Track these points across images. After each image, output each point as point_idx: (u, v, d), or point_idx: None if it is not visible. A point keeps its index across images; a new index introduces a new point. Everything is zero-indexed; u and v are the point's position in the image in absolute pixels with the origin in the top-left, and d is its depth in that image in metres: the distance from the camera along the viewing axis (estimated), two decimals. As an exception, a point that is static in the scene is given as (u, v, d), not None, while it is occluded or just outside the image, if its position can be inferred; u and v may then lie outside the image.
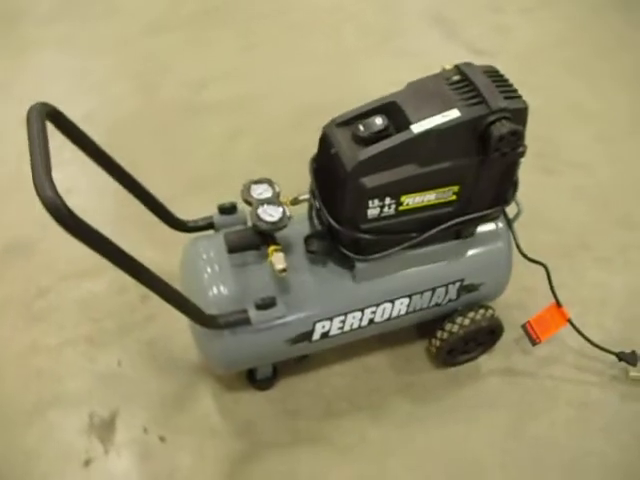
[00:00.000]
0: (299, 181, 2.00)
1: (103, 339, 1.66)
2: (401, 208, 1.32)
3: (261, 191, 1.34)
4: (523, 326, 1.67)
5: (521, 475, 1.55)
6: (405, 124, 1.24)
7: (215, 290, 1.36)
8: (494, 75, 1.30)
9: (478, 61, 2.51)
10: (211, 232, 1.50)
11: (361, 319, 1.48)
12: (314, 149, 2.13)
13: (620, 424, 1.65)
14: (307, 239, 1.38)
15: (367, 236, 1.33)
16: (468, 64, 1.32)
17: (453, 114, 1.23)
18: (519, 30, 2.77)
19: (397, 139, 1.23)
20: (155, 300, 1.68)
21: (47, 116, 1.08)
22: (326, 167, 1.31)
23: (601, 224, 2.08)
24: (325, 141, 1.29)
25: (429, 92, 1.28)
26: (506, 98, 1.25)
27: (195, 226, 1.48)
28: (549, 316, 1.67)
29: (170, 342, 1.67)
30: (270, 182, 1.36)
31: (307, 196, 1.45)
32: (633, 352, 1.72)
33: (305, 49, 2.56)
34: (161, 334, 1.69)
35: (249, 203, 1.33)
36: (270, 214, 1.29)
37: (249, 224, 1.48)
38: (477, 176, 1.33)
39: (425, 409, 1.63)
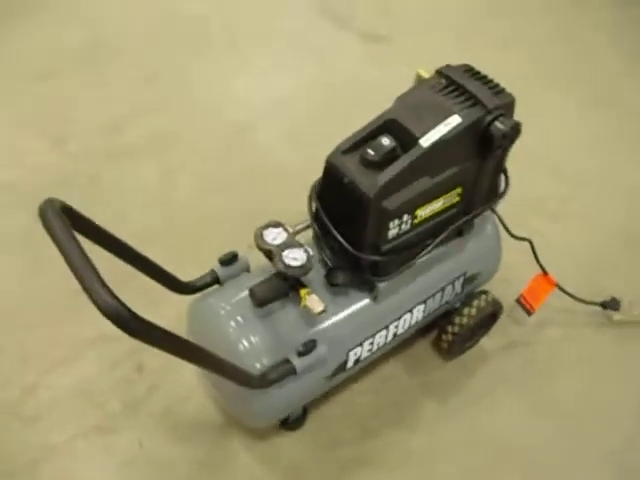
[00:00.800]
0: (258, 204, 1.96)
1: (114, 423, 1.53)
2: (416, 221, 1.31)
3: (274, 236, 1.28)
4: (517, 300, 1.74)
5: (552, 444, 1.62)
6: (411, 140, 1.23)
7: (246, 343, 1.29)
8: (475, 73, 1.32)
9: (379, 46, 2.58)
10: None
11: (386, 336, 1.47)
12: (256, 166, 2.10)
13: (619, 367, 1.77)
14: (329, 273, 1.34)
15: (387, 257, 1.32)
16: (448, 67, 1.33)
17: (454, 121, 1.24)
18: (408, 9, 2.82)
19: (411, 156, 1.22)
20: (151, 366, 1.62)
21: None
22: (337, 197, 1.28)
23: (537, 180, 2.19)
24: (333, 171, 1.26)
25: (423, 103, 1.28)
26: (495, 94, 1.28)
27: (202, 285, 1.40)
28: (538, 285, 1.75)
29: (183, 406, 1.58)
30: (279, 224, 1.31)
31: (302, 226, 1.41)
32: (613, 299, 1.84)
33: (206, 65, 2.47)
34: (171, 401, 1.59)
35: (267, 251, 1.27)
36: (294, 258, 1.24)
37: (248, 269, 1.43)
38: (477, 174, 1.36)
39: (450, 405, 1.66)
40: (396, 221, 1.27)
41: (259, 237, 1.28)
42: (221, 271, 1.40)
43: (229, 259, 1.40)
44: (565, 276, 1.78)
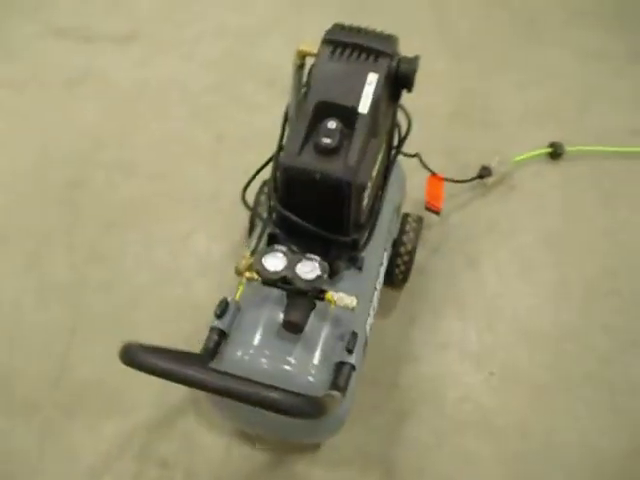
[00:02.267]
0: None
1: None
2: (371, 183, 1.36)
3: (276, 262, 1.24)
4: (425, 207, 1.90)
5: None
6: (350, 112, 1.25)
7: (287, 367, 1.27)
8: (352, 29, 1.35)
9: (135, 46, 2.44)
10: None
11: (377, 295, 1.53)
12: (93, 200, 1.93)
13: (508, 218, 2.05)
14: (333, 265, 1.34)
15: (366, 228, 1.37)
16: (330, 32, 1.34)
17: (373, 78, 1.28)
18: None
19: (362, 127, 1.24)
20: (171, 453, 1.54)
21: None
22: (306, 196, 1.27)
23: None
24: (297, 174, 1.23)
25: (336, 75, 1.29)
26: (383, 40, 1.34)
27: (214, 346, 1.30)
28: (433, 187, 1.92)
29: (230, 469, 1.51)
30: (273, 250, 1.26)
31: (255, 241, 1.39)
32: (484, 167, 2.08)
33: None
34: (215, 472, 1.50)
35: (279, 279, 1.23)
36: (308, 271, 1.23)
37: (240, 308, 1.37)
38: (393, 117, 1.43)
39: (425, 322, 1.78)
40: (366, 191, 1.30)
41: (264, 270, 1.23)
42: (222, 324, 1.33)
43: (223, 308, 1.33)
44: (439, 169, 1.96)
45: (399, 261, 1.73)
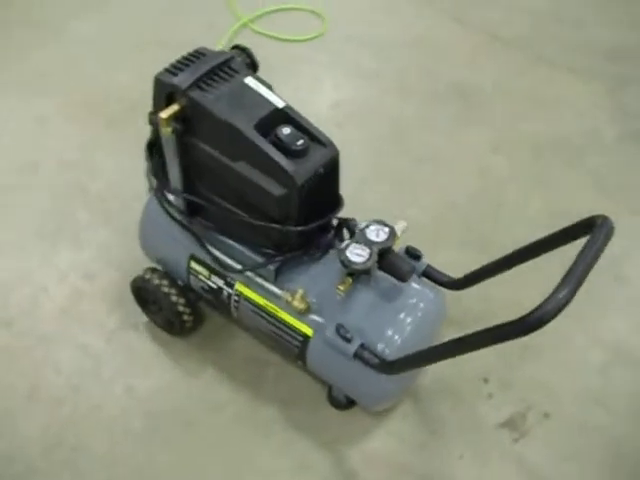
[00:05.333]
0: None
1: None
2: None
3: (358, 252, 1.31)
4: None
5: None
6: (279, 114, 1.31)
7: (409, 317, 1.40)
8: (175, 67, 1.33)
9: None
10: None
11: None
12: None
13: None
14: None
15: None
16: (172, 83, 1.28)
17: (251, 80, 1.34)
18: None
19: (295, 114, 1.32)
20: None
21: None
22: (316, 194, 1.32)
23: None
24: (312, 181, 1.28)
25: (233, 100, 1.29)
26: (210, 54, 1.36)
27: (376, 357, 1.32)
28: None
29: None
30: (343, 250, 1.31)
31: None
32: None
33: None
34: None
35: (378, 254, 1.32)
36: (380, 233, 1.34)
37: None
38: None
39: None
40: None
41: (362, 264, 1.29)
42: (357, 341, 1.34)
43: (347, 331, 1.34)
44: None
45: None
